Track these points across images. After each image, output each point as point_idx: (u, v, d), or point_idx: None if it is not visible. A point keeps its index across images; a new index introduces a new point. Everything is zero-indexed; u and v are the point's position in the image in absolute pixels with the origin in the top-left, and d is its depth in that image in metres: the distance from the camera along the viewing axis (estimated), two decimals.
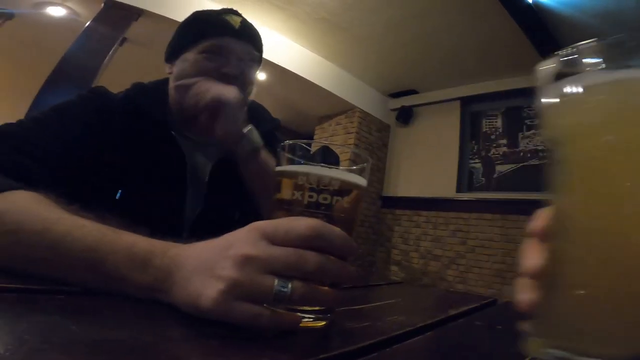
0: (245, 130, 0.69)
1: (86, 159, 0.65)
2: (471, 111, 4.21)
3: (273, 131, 0.87)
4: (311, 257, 0.31)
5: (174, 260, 0.34)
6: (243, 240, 0.32)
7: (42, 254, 0.36)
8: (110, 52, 2.80)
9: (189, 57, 0.76)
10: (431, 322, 0.44)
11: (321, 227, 0.32)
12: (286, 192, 0.37)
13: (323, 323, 0.36)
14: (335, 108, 4.46)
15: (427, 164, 4.30)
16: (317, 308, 0.35)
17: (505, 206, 3.61)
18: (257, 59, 0.82)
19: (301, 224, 0.32)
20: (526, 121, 3.81)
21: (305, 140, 0.40)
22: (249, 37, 0.80)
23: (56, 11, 3.05)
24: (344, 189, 0.37)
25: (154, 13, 2.92)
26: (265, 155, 0.71)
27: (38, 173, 0.54)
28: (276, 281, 0.30)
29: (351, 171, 0.38)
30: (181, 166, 0.75)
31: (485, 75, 3.88)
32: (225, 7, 0.84)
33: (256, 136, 0.71)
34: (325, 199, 0.36)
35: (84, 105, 0.71)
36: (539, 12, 2.77)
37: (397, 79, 4.29)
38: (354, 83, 4.31)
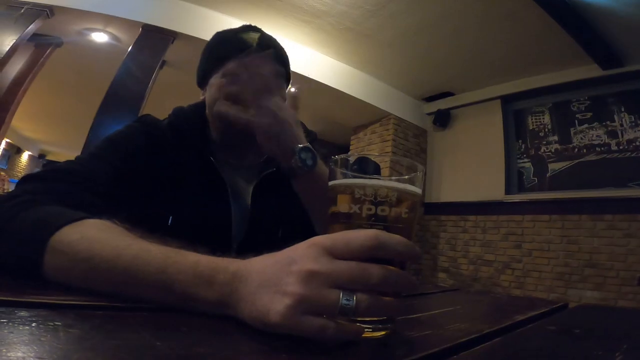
0: (297, 148, 0.65)
1: (140, 188, 0.68)
2: (514, 109, 4.04)
3: (310, 143, 0.87)
4: (374, 270, 0.32)
5: (236, 275, 0.35)
6: (305, 256, 0.33)
7: (117, 278, 0.39)
8: (153, 75, 2.99)
9: (214, 82, 0.78)
10: (498, 328, 0.42)
11: (381, 236, 0.33)
12: (343, 206, 0.38)
13: (383, 333, 0.36)
14: (369, 116, 4.47)
15: (470, 167, 4.16)
16: (378, 318, 0.35)
17: (564, 205, 3.39)
18: (282, 73, 0.81)
19: (360, 235, 0.33)
20: (577, 115, 3.59)
21: (344, 155, 0.41)
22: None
23: (99, 37, 3.31)
24: (402, 199, 0.37)
25: (187, 35, 3.10)
26: (320, 171, 0.67)
27: (98, 206, 0.57)
28: (341, 294, 0.31)
29: (405, 181, 0.38)
30: (223, 192, 0.76)
31: (525, 71, 3.73)
32: (248, 23, 0.84)
33: (308, 154, 0.66)
34: (383, 210, 0.36)
35: (134, 136, 0.74)
36: (572, 4, 2.65)
37: (430, 82, 4.23)
38: (385, 90, 4.30)
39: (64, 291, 0.39)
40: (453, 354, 0.33)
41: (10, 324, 0.26)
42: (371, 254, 0.32)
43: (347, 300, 0.31)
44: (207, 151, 0.77)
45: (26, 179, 0.59)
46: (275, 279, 0.33)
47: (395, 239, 0.33)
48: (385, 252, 0.33)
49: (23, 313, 0.29)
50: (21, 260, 0.43)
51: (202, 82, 0.83)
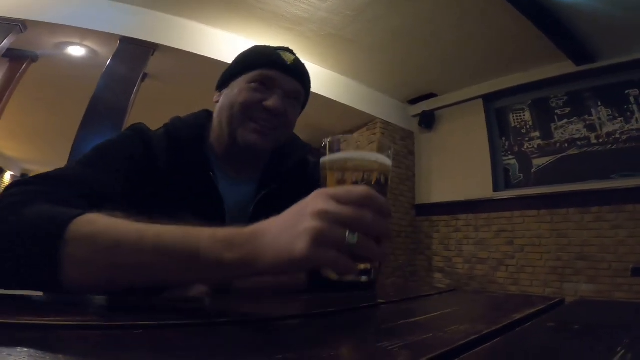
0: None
1: (131, 197, 0.65)
2: (495, 107, 4.13)
3: (306, 156, 0.89)
4: (368, 214, 0.38)
5: (253, 233, 0.40)
6: (316, 200, 0.38)
7: (145, 259, 0.40)
8: (135, 89, 2.95)
9: (237, 84, 0.78)
10: (497, 327, 0.42)
11: (372, 191, 0.39)
12: (336, 174, 0.48)
13: (365, 278, 0.43)
14: (356, 122, 4.50)
15: (457, 167, 4.21)
16: (362, 266, 0.43)
17: (551, 200, 3.45)
18: (302, 99, 0.83)
19: (358, 188, 0.40)
20: (556, 111, 3.67)
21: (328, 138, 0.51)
22: (299, 75, 0.81)
23: (76, 51, 3.24)
24: (377, 169, 0.49)
25: (168, 46, 3.07)
26: None
27: (87, 208, 0.55)
28: (347, 232, 0.37)
29: (383, 154, 0.50)
30: (219, 207, 0.75)
31: (504, 70, 3.82)
32: (266, 41, 0.90)
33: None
34: (370, 176, 0.48)
35: (126, 143, 0.71)
36: (543, 2, 2.74)
37: (413, 84, 4.29)
38: (371, 94, 4.34)
39: (56, 312, 0.38)
40: (455, 356, 0.33)
41: (7, 346, 0.25)
42: (365, 203, 0.38)
43: (352, 236, 0.37)
44: (205, 163, 0.76)
45: (10, 186, 0.54)
46: (291, 223, 0.38)
47: (380, 196, 0.40)
48: (374, 204, 0.39)
49: (19, 335, 0.28)
50: (34, 261, 0.40)
51: (223, 84, 0.83)
